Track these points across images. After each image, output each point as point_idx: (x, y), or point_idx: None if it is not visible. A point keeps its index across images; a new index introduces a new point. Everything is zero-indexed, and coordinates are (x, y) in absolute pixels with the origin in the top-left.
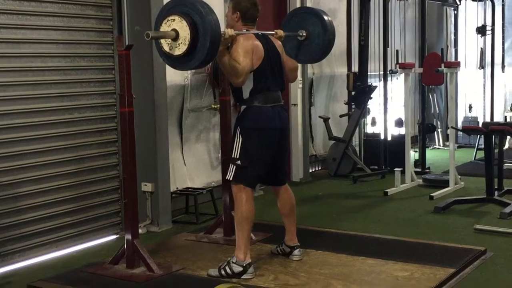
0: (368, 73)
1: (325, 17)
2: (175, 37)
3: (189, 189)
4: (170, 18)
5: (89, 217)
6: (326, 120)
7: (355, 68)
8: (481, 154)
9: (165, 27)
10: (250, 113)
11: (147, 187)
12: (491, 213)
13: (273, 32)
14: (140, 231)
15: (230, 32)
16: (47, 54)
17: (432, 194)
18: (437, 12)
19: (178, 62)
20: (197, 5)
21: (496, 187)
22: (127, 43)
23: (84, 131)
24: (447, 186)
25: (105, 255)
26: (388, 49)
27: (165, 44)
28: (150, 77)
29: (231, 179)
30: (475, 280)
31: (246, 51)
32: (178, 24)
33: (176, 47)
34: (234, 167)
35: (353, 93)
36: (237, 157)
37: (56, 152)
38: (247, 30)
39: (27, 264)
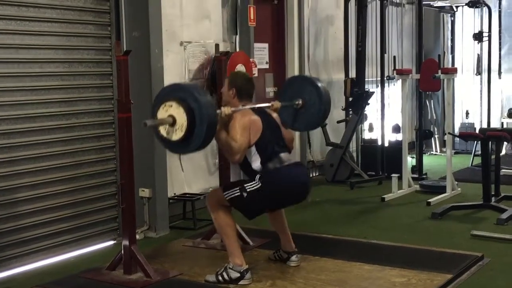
0: (366, 79)
1: (321, 86)
2: (172, 123)
3: (187, 195)
4: (167, 103)
5: (86, 223)
6: (323, 126)
7: (352, 74)
8: (478, 160)
9: (162, 112)
10: (267, 175)
11: (144, 192)
12: (488, 219)
13: (269, 105)
14: (137, 236)
15: (227, 110)
16: (45, 59)
17: (429, 200)
18: (434, 18)
19: (175, 147)
20: (193, 92)
21: (493, 193)
22: (125, 49)
23: (82, 137)
24: (444, 192)
25: (103, 261)
26: (385, 55)
27: (163, 129)
28: (148, 83)
29: (227, 199)
30: (472, 286)
31: (243, 128)
32: (175, 110)
33: (173, 132)
34: (238, 194)
35: (350, 99)
36: (248, 190)
37: (53, 158)
38: (243, 105)
39: (24, 270)
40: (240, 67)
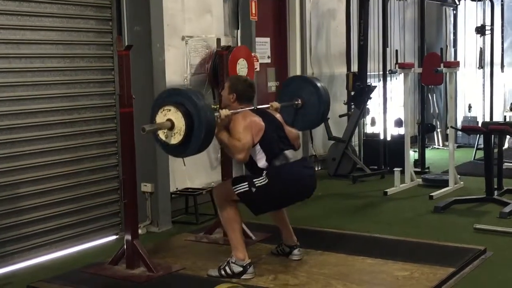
0: (368, 73)
1: (320, 87)
2: (171, 127)
3: (189, 190)
4: (166, 108)
5: (89, 218)
6: (325, 120)
7: (354, 68)
8: (480, 154)
9: (161, 116)
10: (274, 171)
11: (146, 187)
12: (491, 212)
13: (269, 105)
14: (139, 231)
15: (225, 112)
16: (47, 55)
17: (431, 194)
18: (436, 12)
19: (174, 150)
20: (191, 96)
21: (495, 186)
22: (126, 44)
23: (84, 132)
24: (447, 185)
25: (105, 255)
26: (388, 49)
27: (161, 133)
28: (149, 78)
29: (236, 193)
30: (475, 280)
31: (245, 128)
32: (173, 115)
33: (172, 136)
34: (247, 188)
35: (352, 93)
36: (257, 186)
37: (55, 153)
38: (242, 108)
39: (27, 264)
40: (242, 62)
